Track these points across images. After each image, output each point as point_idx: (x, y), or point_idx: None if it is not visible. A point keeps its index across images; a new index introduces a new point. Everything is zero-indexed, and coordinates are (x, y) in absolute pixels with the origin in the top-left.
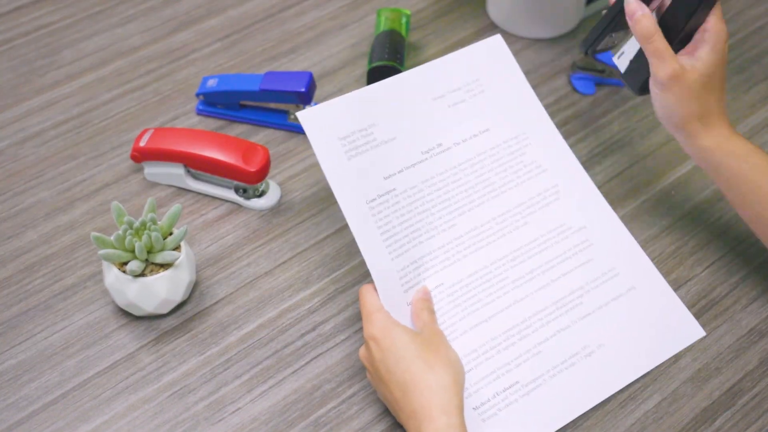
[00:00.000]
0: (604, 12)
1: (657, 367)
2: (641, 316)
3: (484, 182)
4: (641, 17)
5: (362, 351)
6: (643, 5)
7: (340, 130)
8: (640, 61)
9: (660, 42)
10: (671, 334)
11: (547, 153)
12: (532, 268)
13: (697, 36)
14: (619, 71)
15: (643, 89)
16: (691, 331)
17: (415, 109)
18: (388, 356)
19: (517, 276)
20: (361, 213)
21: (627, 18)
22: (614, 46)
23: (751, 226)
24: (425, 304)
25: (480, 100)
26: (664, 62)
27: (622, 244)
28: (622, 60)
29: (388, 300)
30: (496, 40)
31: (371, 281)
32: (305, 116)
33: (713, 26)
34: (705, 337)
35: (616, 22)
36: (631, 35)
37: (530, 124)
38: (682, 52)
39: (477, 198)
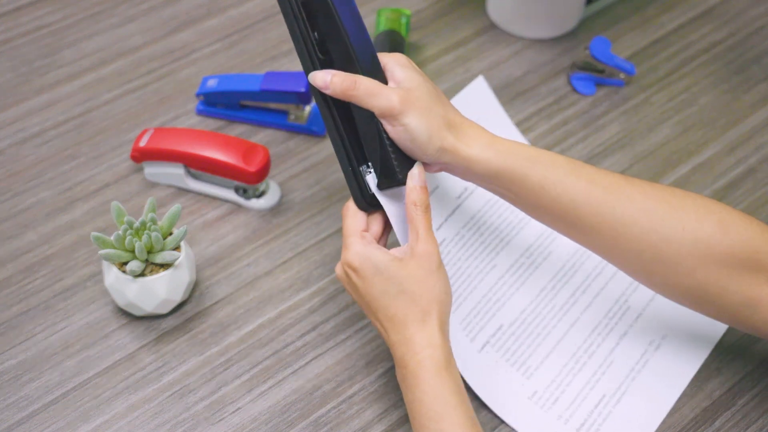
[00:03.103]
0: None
1: None
2: None
3: (504, 221)
4: (333, 79)
5: (340, 272)
6: (325, 71)
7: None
8: (373, 143)
9: (367, 81)
10: None
11: None
12: (572, 291)
13: (388, 74)
14: (380, 178)
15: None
16: None
17: None
18: (369, 288)
19: (562, 302)
20: None
21: (322, 90)
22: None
23: (570, 235)
24: (421, 196)
25: None
26: (383, 92)
27: None
28: (374, 168)
29: (457, 353)
30: (479, 82)
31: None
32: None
33: (386, 62)
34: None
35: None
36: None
37: None
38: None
39: (504, 237)
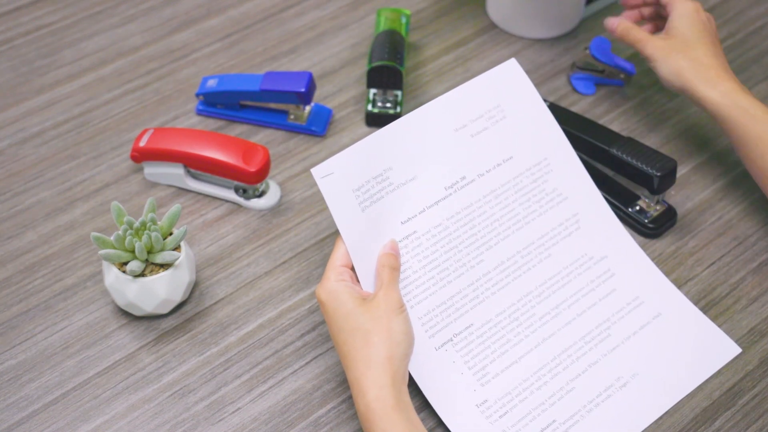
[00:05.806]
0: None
1: None
2: (672, 342)
3: (509, 213)
4: (618, 26)
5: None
6: (615, 18)
7: (353, 181)
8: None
9: (637, 32)
10: (706, 355)
11: (567, 179)
12: (558, 302)
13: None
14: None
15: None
16: (726, 349)
17: (435, 144)
18: (331, 323)
19: (543, 312)
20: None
21: (610, 32)
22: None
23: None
24: (389, 260)
25: (502, 127)
26: (646, 43)
27: (643, 271)
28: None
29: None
30: (512, 64)
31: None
32: (319, 172)
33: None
34: None
35: None
36: None
37: (551, 149)
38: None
39: (503, 231)
